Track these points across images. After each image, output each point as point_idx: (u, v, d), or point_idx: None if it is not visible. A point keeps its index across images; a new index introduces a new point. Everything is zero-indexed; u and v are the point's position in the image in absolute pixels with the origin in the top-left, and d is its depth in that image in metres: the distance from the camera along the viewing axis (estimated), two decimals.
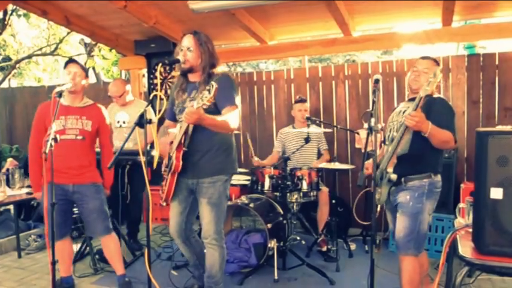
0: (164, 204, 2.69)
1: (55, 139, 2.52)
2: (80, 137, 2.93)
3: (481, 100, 4.35)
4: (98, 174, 3.06)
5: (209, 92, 2.16)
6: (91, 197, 2.96)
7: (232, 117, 2.44)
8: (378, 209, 2.57)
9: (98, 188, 3.02)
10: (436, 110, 2.32)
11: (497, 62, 4.27)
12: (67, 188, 2.92)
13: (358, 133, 4.24)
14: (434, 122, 2.24)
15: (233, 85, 2.58)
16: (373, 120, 2.13)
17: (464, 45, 6.60)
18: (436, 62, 2.56)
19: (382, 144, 2.87)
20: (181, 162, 2.49)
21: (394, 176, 2.40)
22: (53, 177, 2.53)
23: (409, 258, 2.39)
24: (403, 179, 2.44)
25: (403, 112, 2.52)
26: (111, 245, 3.08)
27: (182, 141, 2.49)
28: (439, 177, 2.49)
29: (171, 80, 2.75)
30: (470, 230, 1.88)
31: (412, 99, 2.55)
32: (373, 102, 2.18)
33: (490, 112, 4.31)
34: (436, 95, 2.47)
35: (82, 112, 2.98)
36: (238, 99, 2.57)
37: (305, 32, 4.80)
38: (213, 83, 2.18)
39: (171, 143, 2.64)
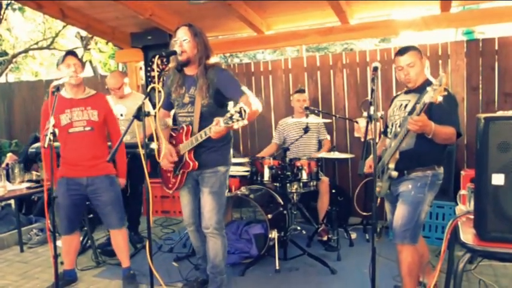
0: (171, 192, 2.82)
1: (53, 133, 2.51)
2: (88, 128, 2.91)
3: (480, 86, 4.33)
4: (112, 166, 3.02)
5: (241, 116, 2.15)
6: (105, 189, 2.95)
7: (252, 102, 2.37)
8: (378, 200, 2.57)
9: (112, 180, 3.01)
10: (439, 105, 2.19)
11: (496, 47, 4.24)
12: (81, 181, 2.92)
13: (357, 122, 4.23)
14: (436, 117, 2.21)
15: (233, 76, 2.63)
16: (372, 108, 2.11)
17: (462, 31, 6.54)
18: (417, 48, 2.49)
19: (382, 135, 2.86)
20: (196, 163, 2.62)
21: (395, 174, 2.39)
22: (57, 172, 2.56)
23: (408, 249, 2.39)
24: (405, 172, 2.43)
25: (405, 106, 2.49)
26: (119, 238, 3.09)
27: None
28: (441, 169, 2.47)
29: (168, 73, 2.75)
30: (472, 216, 1.88)
31: (411, 91, 2.51)
32: (372, 90, 2.16)
33: (490, 98, 4.29)
34: None
35: (86, 103, 2.95)
36: (242, 86, 2.57)
37: (302, 21, 4.76)
38: (243, 106, 2.15)
39: (173, 136, 2.71)
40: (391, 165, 2.39)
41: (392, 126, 2.58)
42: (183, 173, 2.69)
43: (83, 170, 2.91)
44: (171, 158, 2.64)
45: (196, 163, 2.62)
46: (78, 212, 3.05)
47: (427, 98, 2.03)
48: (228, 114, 2.19)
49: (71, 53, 2.98)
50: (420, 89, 2.43)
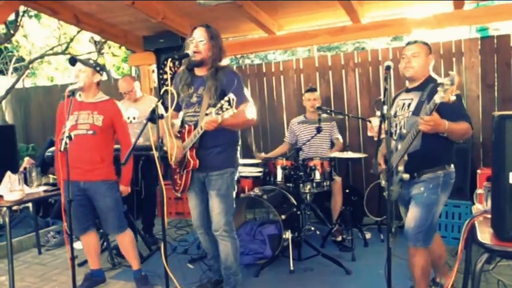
0: (179, 195, 2.81)
1: (69, 137, 2.56)
2: (90, 132, 2.92)
3: (496, 83, 4.26)
4: (112, 171, 3.03)
5: (229, 104, 2.22)
6: (101, 195, 2.96)
7: (248, 111, 2.52)
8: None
9: (109, 186, 2.99)
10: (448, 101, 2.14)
11: None
12: (79, 185, 2.95)
13: (370, 121, 4.20)
14: (447, 114, 2.14)
15: (241, 81, 2.62)
16: (385, 107, 2.09)
17: (476, 28, 6.44)
18: (426, 44, 2.44)
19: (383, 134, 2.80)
20: (197, 161, 2.61)
21: (406, 176, 2.32)
22: (69, 174, 2.59)
23: (421, 252, 2.35)
24: (416, 174, 2.36)
25: (408, 105, 2.42)
26: (125, 242, 3.11)
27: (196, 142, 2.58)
28: (453, 167, 2.42)
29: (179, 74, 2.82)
30: (489, 216, 1.85)
31: (413, 89, 2.45)
32: (385, 89, 2.13)
33: (506, 95, 4.21)
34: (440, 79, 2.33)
35: (94, 107, 2.98)
36: (247, 93, 2.63)
37: (313, 21, 4.75)
38: (231, 95, 2.24)
39: (178, 137, 2.70)
40: (401, 168, 2.33)
41: (396, 127, 2.50)
42: (187, 173, 2.68)
43: (80, 173, 2.91)
44: (178, 150, 2.61)
45: (197, 161, 2.60)
46: (86, 212, 3.05)
47: (437, 98, 1.97)
48: (219, 105, 2.25)
49: (73, 60, 2.99)
50: (422, 86, 2.38)
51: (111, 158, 3.05)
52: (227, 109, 2.22)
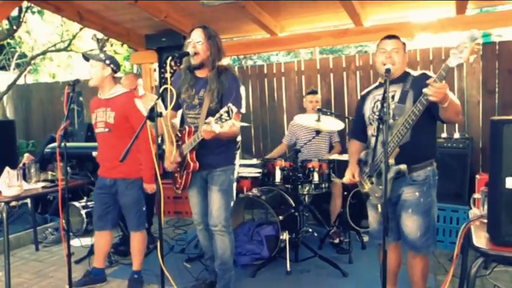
0: (179, 192, 2.83)
1: (66, 133, 2.58)
2: (106, 129, 2.93)
3: (496, 89, 4.26)
4: (134, 168, 2.94)
5: (229, 115, 2.21)
6: (122, 193, 2.97)
7: (237, 123, 2.53)
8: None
9: (129, 184, 2.97)
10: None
11: None
12: (105, 181, 2.99)
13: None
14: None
15: (240, 86, 2.63)
16: (384, 110, 2.07)
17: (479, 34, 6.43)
18: (403, 43, 2.38)
19: (351, 138, 2.70)
20: (197, 163, 2.63)
21: (404, 167, 2.19)
22: (64, 171, 2.61)
23: (421, 253, 2.33)
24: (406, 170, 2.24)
25: (392, 98, 2.31)
26: (134, 241, 3.11)
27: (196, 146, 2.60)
28: (435, 163, 2.36)
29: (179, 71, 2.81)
30: (485, 220, 1.85)
31: (391, 83, 2.28)
32: (384, 92, 2.13)
33: (507, 101, 4.22)
34: (421, 72, 2.32)
35: (107, 104, 2.95)
36: (243, 102, 2.62)
37: (316, 23, 4.76)
38: (231, 106, 2.23)
39: (178, 136, 2.72)
40: (392, 161, 2.21)
41: (374, 122, 2.38)
42: (187, 174, 2.69)
43: (106, 170, 2.99)
44: (172, 159, 2.64)
45: (197, 164, 2.62)
46: (107, 211, 3.06)
47: (453, 61, 1.80)
48: (218, 115, 2.24)
49: (85, 57, 2.98)
50: (402, 79, 2.32)
51: (132, 155, 2.86)
52: (226, 120, 2.22)
